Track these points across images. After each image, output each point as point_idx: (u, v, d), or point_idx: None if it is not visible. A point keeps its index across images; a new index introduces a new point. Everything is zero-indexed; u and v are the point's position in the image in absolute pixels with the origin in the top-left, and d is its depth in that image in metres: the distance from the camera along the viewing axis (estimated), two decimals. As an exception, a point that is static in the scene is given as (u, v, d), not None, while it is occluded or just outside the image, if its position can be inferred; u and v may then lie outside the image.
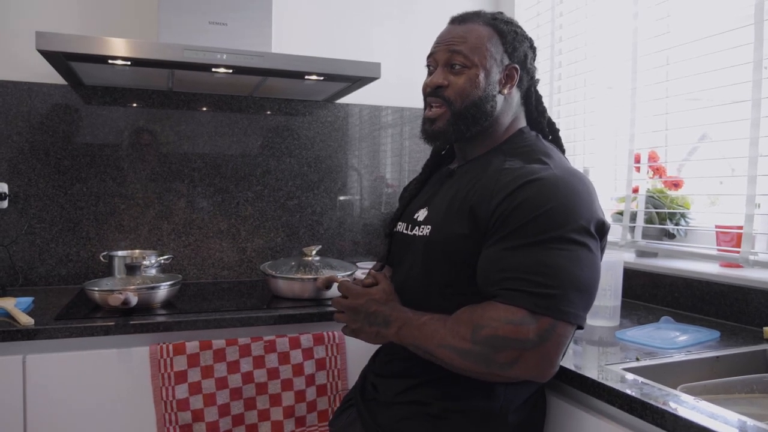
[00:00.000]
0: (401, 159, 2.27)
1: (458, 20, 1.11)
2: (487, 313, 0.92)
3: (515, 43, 1.09)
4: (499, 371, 0.91)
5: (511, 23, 1.10)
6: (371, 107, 2.21)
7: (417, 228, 1.12)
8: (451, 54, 1.07)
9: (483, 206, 0.98)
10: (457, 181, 1.09)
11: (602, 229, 0.97)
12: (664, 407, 0.85)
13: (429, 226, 1.08)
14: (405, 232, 1.16)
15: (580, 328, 0.93)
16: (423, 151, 2.26)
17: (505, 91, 1.09)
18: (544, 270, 0.90)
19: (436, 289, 1.04)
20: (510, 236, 0.94)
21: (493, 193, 0.97)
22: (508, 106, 1.11)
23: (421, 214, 1.14)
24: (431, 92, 1.10)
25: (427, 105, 1.12)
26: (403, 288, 1.11)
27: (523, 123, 1.15)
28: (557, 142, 1.15)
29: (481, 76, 1.06)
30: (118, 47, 1.46)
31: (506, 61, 1.09)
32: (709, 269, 1.51)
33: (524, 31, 1.12)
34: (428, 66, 1.14)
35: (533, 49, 1.13)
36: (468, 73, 1.06)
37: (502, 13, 1.13)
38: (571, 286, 0.90)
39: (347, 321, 1.10)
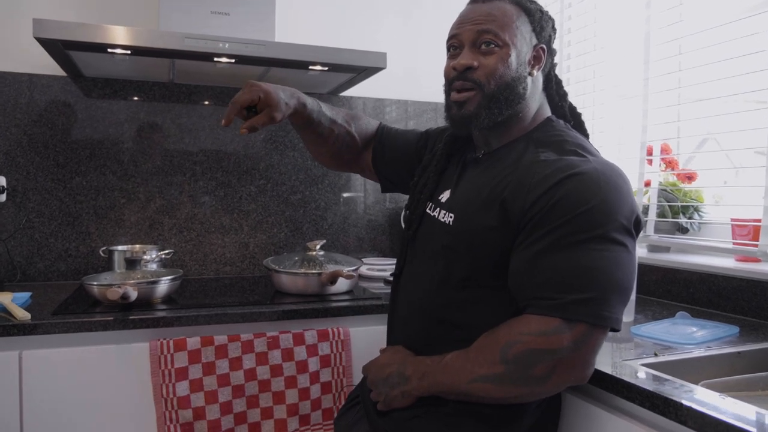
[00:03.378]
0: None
1: None
2: (516, 328, 0.88)
3: (542, 23, 1.04)
4: (538, 386, 0.87)
5: (535, 2, 1.05)
6: (375, 100, 2.17)
7: (439, 211, 1.07)
8: (480, 33, 0.99)
9: (517, 199, 0.92)
10: (485, 171, 1.03)
11: (638, 225, 0.93)
12: (687, 404, 0.81)
13: (452, 215, 1.03)
14: (429, 212, 1.11)
15: (615, 330, 0.89)
16: (429, 146, 2.22)
17: (535, 73, 1.03)
18: (582, 273, 0.85)
19: (455, 281, 0.99)
20: (548, 235, 0.88)
21: (530, 186, 0.91)
22: (536, 89, 1.05)
23: (445, 196, 1.09)
24: (458, 75, 1.01)
25: (453, 89, 1.04)
26: (419, 275, 1.07)
27: (548, 110, 1.09)
28: (581, 128, 1.10)
29: (513, 55, 0.99)
30: (118, 35, 1.42)
31: (534, 41, 1.03)
32: (725, 263, 1.47)
33: (548, 11, 1.07)
34: (450, 48, 1.06)
35: (555, 30, 1.08)
36: (499, 53, 0.99)
37: None
38: (610, 288, 0.86)
39: (375, 397, 1.06)
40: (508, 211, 0.93)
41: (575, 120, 1.12)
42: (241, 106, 1.09)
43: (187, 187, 1.95)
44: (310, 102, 1.20)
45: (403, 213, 2.11)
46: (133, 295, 1.37)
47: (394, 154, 1.32)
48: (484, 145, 1.09)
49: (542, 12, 1.05)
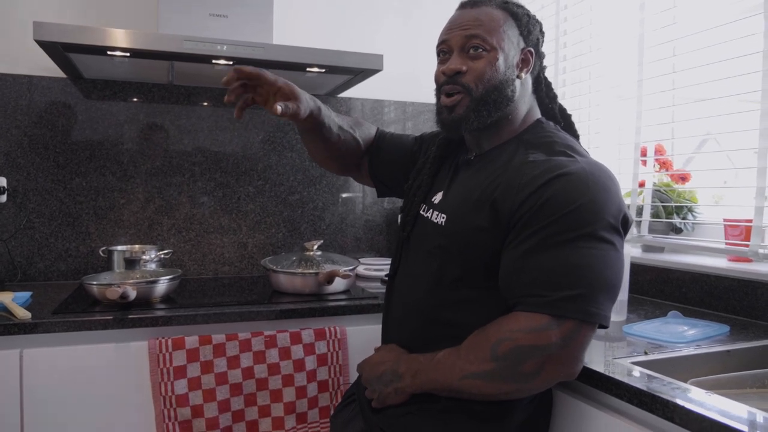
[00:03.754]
0: (404, 155, 2.25)
1: (470, 4, 1.06)
2: (506, 325, 0.90)
3: (529, 26, 1.06)
4: (528, 383, 0.89)
5: (522, 7, 1.07)
6: (373, 101, 2.19)
7: (432, 212, 1.09)
8: (468, 38, 1.02)
9: (507, 200, 0.94)
10: (477, 173, 1.05)
11: (626, 224, 0.95)
12: (674, 401, 0.82)
13: (444, 215, 1.05)
14: (423, 214, 1.13)
15: (604, 327, 0.90)
16: (426, 146, 2.23)
17: (523, 76, 1.05)
18: (570, 270, 0.87)
19: (448, 281, 1.01)
20: (536, 234, 0.90)
21: (519, 187, 0.93)
22: (525, 92, 1.07)
23: (438, 197, 1.11)
24: (447, 79, 1.04)
25: (443, 93, 1.06)
26: (413, 276, 1.09)
27: (538, 112, 1.11)
28: (570, 129, 1.12)
29: (501, 59, 1.02)
30: (117, 38, 1.44)
31: (522, 45, 1.05)
32: (717, 263, 1.49)
33: (535, 15, 1.09)
34: (440, 53, 1.08)
35: (543, 33, 1.10)
36: (487, 57, 1.01)
37: None
38: (598, 286, 0.88)
39: (369, 395, 1.08)
40: (499, 211, 0.95)
41: (565, 121, 1.14)
42: (250, 73, 1.04)
43: (186, 187, 1.96)
44: (324, 106, 1.20)
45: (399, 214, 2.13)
46: (132, 294, 1.39)
47: (390, 158, 1.34)
48: (475, 147, 1.11)
49: (529, 16, 1.07)
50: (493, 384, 0.90)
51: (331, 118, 1.22)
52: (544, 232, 0.90)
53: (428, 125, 2.25)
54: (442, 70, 1.05)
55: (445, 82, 1.05)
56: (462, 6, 1.08)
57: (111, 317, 1.32)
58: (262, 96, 1.09)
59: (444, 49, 1.07)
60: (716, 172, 1.70)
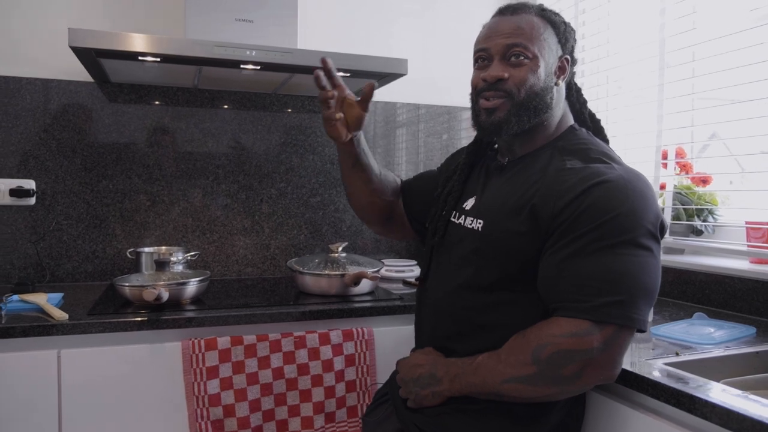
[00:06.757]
0: (417, 157, 2.26)
1: (509, 11, 1.07)
2: (547, 330, 0.92)
3: (566, 34, 1.08)
4: (569, 386, 0.91)
5: (559, 15, 1.09)
6: (387, 104, 2.20)
7: (464, 218, 1.11)
8: (510, 46, 1.03)
9: (547, 206, 0.96)
10: (512, 178, 1.07)
11: (663, 230, 0.97)
12: (713, 400, 0.84)
13: (480, 221, 1.07)
14: (454, 220, 1.15)
15: (641, 331, 0.93)
16: (440, 150, 2.25)
17: (560, 83, 1.08)
18: (612, 277, 0.89)
19: (485, 285, 1.03)
20: (577, 240, 0.92)
21: (559, 194, 0.95)
22: (560, 98, 1.10)
23: (469, 204, 1.13)
24: (489, 86, 1.05)
25: (481, 98, 1.07)
26: (446, 281, 1.10)
27: (571, 118, 1.13)
28: (600, 134, 1.14)
29: (542, 67, 1.04)
30: (149, 44, 1.46)
31: (559, 52, 1.07)
32: (739, 265, 1.50)
33: (570, 23, 1.11)
34: (478, 60, 1.09)
35: (575, 41, 1.12)
36: (529, 65, 1.03)
37: (542, 4, 1.12)
38: (637, 292, 0.90)
39: (404, 394, 1.10)
40: (538, 217, 0.97)
41: (595, 126, 1.16)
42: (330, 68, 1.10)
43: (209, 190, 1.99)
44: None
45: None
46: (166, 296, 1.41)
47: (422, 191, 1.33)
48: (508, 152, 1.13)
49: (566, 24, 1.09)
50: (535, 387, 0.92)
51: (366, 146, 1.24)
52: (584, 239, 0.92)
53: (443, 127, 2.26)
54: (483, 77, 1.05)
55: (486, 89, 1.06)
56: (501, 13, 1.09)
57: (145, 318, 1.35)
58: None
59: (483, 56, 1.08)
60: (732, 173, 1.71)
